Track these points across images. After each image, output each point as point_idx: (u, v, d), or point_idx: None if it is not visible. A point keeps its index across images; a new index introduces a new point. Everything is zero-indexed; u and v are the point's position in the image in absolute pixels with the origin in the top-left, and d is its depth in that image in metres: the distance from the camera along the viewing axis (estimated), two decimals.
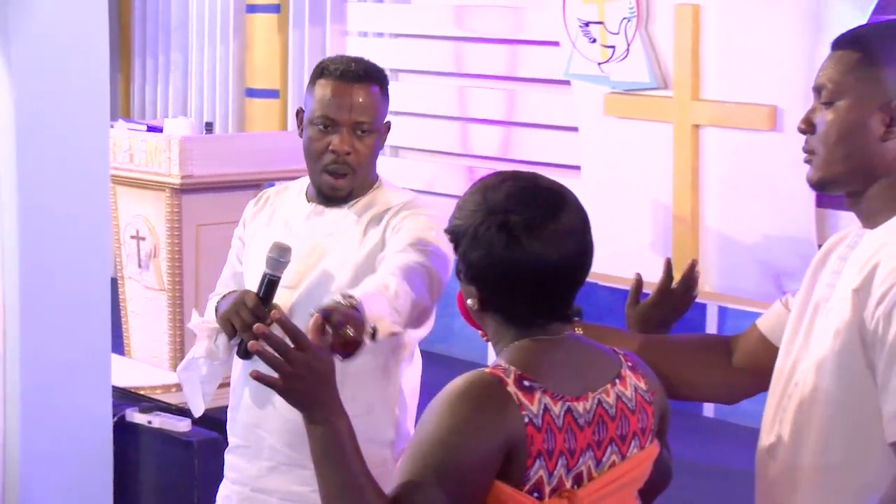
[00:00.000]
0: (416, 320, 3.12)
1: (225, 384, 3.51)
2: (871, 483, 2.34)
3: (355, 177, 3.31)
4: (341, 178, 3.30)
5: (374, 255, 3.26)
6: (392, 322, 2.83)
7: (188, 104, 9.99)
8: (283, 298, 3.24)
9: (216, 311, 3.34)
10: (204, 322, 3.42)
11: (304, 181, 3.45)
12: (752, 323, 2.79)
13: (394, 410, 3.38)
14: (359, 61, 3.33)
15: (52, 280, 4.18)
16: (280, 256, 3.15)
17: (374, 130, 3.31)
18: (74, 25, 4.12)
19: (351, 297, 2.67)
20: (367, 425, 3.26)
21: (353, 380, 3.27)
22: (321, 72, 3.33)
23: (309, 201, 3.40)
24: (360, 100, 3.28)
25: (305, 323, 2.37)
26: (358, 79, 3.29)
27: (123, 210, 7.31)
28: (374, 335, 2.69)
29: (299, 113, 3.38)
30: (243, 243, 3.50)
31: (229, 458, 3.50)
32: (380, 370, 3.35)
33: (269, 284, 3.14)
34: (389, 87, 3.42)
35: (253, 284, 3.26)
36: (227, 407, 3.51)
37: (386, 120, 3.38)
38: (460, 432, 2.22)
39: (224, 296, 3.38)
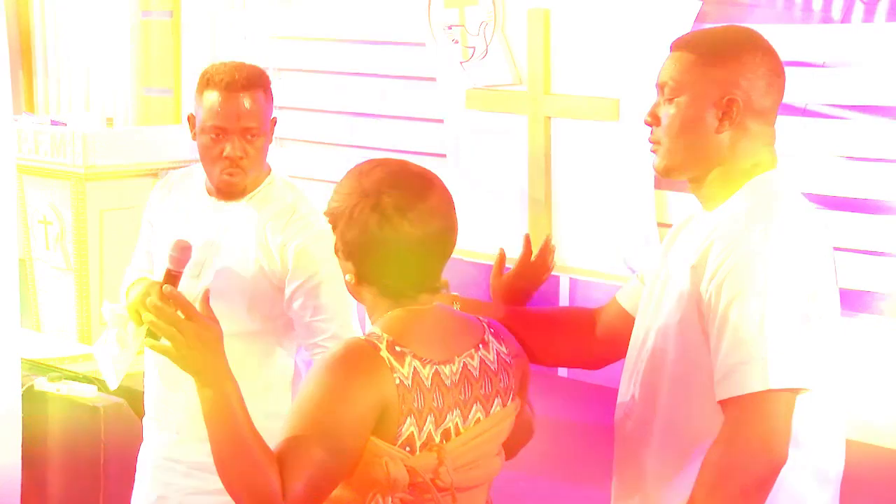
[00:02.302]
0: None
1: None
2: (708, 434, 2.36)
3: (248, 175, 3.23)
4: (236, 176, 3.22)
5: (269, 253, 3.21)
6: None
7: (90, 101, 9.84)
8: (188, 287, 3.17)
9: (126, 296, 3.28)
10: (114, 309, 3.35)
11: None
12: (603, 293, 2.80)
13: (291, 385, 3.32)
14: (241, 69, 3.21)
15: None
16: (181, 255, 3.06)
17: (262, 133, 3.21)
18: None
19: None
20: (268, 401, 3.20)
21: (251, 359, 3.21)
22: (207, 82, 3.20)
23: (209, 195, 3.32)
24: (247, 107, 3.16)
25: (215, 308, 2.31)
26: (243, 87, 3.17)
27: (31, 197, 7.22)
28: None
29: (191, 118, 3.27)
30: (151, 224, 3.42)
31: (146, 423, 3.43)
32: (275, 349, 3.30)
33: (171, 279, 3.07)
34: (275, 84, 3.32)
35: (160, 267, 3.20)
36: (135, 375, 3.45)
37: (272, 116, 3.28)
38: (337, 394, 2.19)
39: (133, 283, 3.31)
